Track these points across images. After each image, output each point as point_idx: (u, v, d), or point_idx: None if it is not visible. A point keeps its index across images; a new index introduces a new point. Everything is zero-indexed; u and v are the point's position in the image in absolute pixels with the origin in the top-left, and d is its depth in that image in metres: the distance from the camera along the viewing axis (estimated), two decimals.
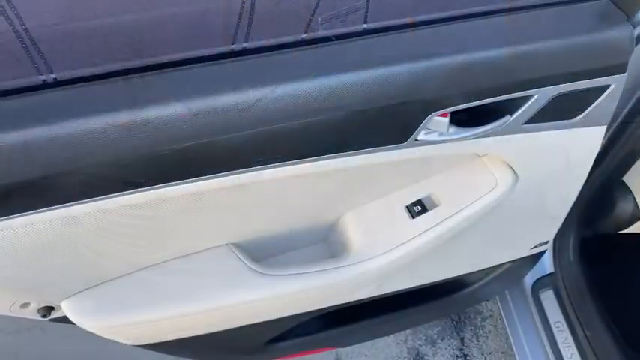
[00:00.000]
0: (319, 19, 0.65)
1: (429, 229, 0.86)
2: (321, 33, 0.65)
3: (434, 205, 0.87)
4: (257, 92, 0.62)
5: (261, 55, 0.63)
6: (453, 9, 0.69)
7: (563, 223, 1.10)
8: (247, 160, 0.67)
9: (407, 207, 0.88)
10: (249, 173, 0.68)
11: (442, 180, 0.87)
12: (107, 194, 0.65)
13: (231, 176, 0.68)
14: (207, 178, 0.67)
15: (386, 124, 0.69)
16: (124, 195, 0.65)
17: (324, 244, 0.98)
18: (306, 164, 0.70)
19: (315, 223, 0.91)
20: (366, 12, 0.66)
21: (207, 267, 0.83)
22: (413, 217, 0.87)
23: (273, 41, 0.64)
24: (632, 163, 1.12)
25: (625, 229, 1.33)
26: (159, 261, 0.83)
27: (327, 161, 0.70)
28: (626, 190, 1.25)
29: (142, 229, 0.73)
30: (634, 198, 1.24)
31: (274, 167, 0.69)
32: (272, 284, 0.84)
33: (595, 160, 0.91)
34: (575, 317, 1.22)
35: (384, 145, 0.71)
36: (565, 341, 1.24)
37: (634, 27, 0.77)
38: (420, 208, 0.87)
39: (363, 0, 0.66)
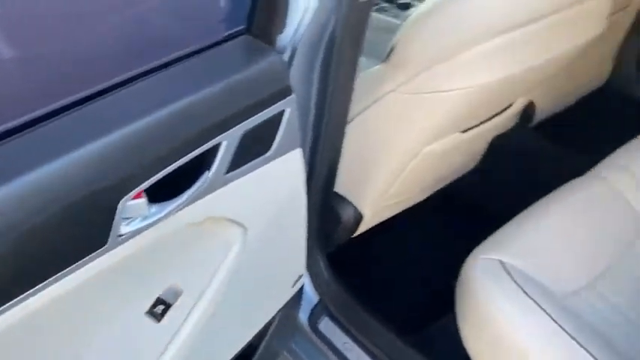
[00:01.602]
0: None
1: (182, 323, 0.75)
2: None
3: (177, 295, 0.76)
4: None
5: None
6: (91, 85, 0.61)
7: (308, 249, 1.11)
8: None
9: (147, 313, 0.75)
10: None
11: (174, 264, 0.77)
12: None
13: None
14: None
15: (72, 231, 0.56)
16: None
17: None
18: None
19: None
20: None
21: None
22: (159, 321, 0.74)
23: None
24: (335, 175, 1.20)
25: (355, 233, 1.43)
26: None
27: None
28: (342, 199, 1.34)
29: None
30: (351, 203, 1.34)
31: None
32: None
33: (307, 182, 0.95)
34: (355, 329, 1.25)
35: (82, 258, 0.58)
36: (358, 355, 1.26)
37: (282, 52, 0.82)
38: (162, 307, 0.75)
39: None
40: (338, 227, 1.37)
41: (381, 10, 1.82)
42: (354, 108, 1.09)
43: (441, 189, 1.48)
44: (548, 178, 1.31)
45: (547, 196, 1.23)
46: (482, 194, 1.58)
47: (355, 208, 1.32)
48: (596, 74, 1.90)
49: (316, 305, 1.30)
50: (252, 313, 1.00)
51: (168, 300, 0.76)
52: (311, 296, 1.30)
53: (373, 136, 1.15)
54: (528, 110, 1.77)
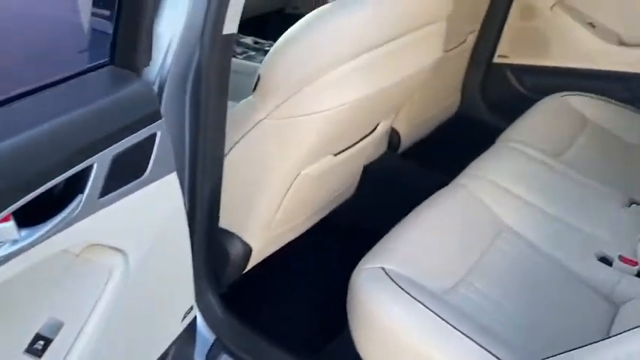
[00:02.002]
0: None
1: (65, 358, 0.71)
2: None
3: (58, 329, 0.72)
4: None
5: None
6: None
7: (197, 283, 1.10)
8: None
9: (26, 351, 0.70)
10: None
11: (52, 294, 0.74)
12: None
13: None
14: None
15: None
16: None
17: None
18: None
19: None
20: None
21: None
22: (40, 357, 0.70)
23: None
24: (217, 209, 1.22)
25: (246, 268, 1.44)
26: None
27: None
28: (228, 233, 1.35)
29: None
30: (237, 236, 1.36)
31: None
32: None
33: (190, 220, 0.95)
34: None
35: None
36: None
37: (151, 83, 0.85)
38: (43, 343, 0.71)
39: None
40: (228, 264, 1.37)
41: (249, 58, 1.91)
42: (229, 140, 1.13)
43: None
44: (417, 195, 1.43)
45: (417, 207, 1.35)
46: (360, 216, 1.67)
47: (242, 241, 1.34)
48: (449, 104, 2.13)
49: (213, 344, 1.28)
50: (140, 346, 0.96)
51: (48, 335, 0.72)
52: (206, 336, 1.28)
53: (251, 165, 1.19)
54: (394, 139, 1.94)
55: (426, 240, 1.26)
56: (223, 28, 0.93)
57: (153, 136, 0.79)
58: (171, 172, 0.85)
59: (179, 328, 1.07)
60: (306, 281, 1.54)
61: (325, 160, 1.23)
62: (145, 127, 0.77)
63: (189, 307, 1.08)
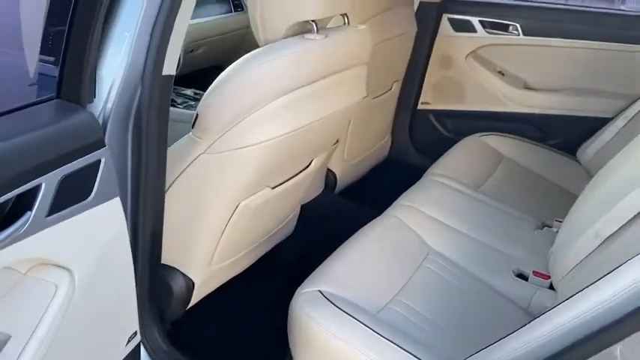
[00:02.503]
0: None
1: None
2: None
3: (3, 344, 0.75)
4: None
5: None
6: None
7: (142, 318, 1.13)
8: None
9: None
10: None
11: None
12: None
13: None
14: None
15: None
16: None
17: None
18: None
19: None
20: None
21: None
22: None
23: None
24: (160, 245, 1.26)
25: (190, 303, 1.47)
26: None
27: None
28: (171, 269, 1.39)
29: None
30: (180, 271, 1.39)
31: None
32: None
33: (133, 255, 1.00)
34: None
35: None
36: None
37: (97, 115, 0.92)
38: None
39: None
40: (171, 299, 1.40)
41: (189, 107, 2.01)
42: (169, 176, 1.20)
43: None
44: (353, 228, 1.53)
45: (352, 236, 1.45)
46: (301, 250, 1.75)
47: (185, 276, 1.38)
48: (380, 146, 2.29)
49: None
50: None
51: None
52: None
53: (191, 200, 1.26)
54: (331, 179, 2.06)
55: (360, 264, 1.35)
56: (163, 69, 1.02)
57: (97, 162, 0.86)
58: (115, 197, 0.91)
59: (123, 351, 1.09)
60: (249, 315, 1.58)
61: (263, 193, 1.32)
62: (89, 153, 0.84)
63: (133, 331, 1.11)
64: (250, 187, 1.25)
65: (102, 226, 0.90)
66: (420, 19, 2.09)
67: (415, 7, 2.13)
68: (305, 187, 1.58)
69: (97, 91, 0.95)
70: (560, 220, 1.59)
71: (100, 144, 0.86)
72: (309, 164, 1.49)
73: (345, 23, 1.37)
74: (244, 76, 1.13)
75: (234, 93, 1.13)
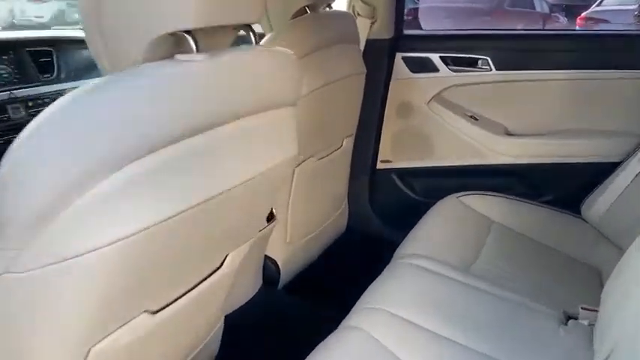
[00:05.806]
0: None
1: None
2: None
3: None
4: None
5: None
6: None
7: None
8: None
9: None
10: None
11: None
12: None
13: None
14: None
15: None
16: None
17: None
18: None
19: None
20: None
21: None
22: None
23: None
24: None
25: None
26: None
27: None
28: None
29: None
30: None
31: None
32: None
33: None
34: None
35: None
36: None
37: None
38: None
39: None
40: None
41: None
42: None
43: None
44: (302, 332, 1.09)
45: (308, 356, 0.96)
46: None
47: None
48: (334, 219, 1.80)
49: None
50: None
51: None
52: None
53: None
54: (271, 270, 1.56)
55: None
56: None
57: None
58: None
59: None
60: None
61: (135, 324, 0.80)
62: None
63: None
64: (103, 320, 0.73)
65: None
66: (369, 60, 1.66)
67: (362, 46, 1.72)
68: (222, 294, 1.07)
69: None
70: (588, 307, 1.14)
71: None
72: (223, 262, 0.99)
73: (253, 42, 0.90)
74: (69, 127, 0.64)
75: (52, 157, 0.64)
